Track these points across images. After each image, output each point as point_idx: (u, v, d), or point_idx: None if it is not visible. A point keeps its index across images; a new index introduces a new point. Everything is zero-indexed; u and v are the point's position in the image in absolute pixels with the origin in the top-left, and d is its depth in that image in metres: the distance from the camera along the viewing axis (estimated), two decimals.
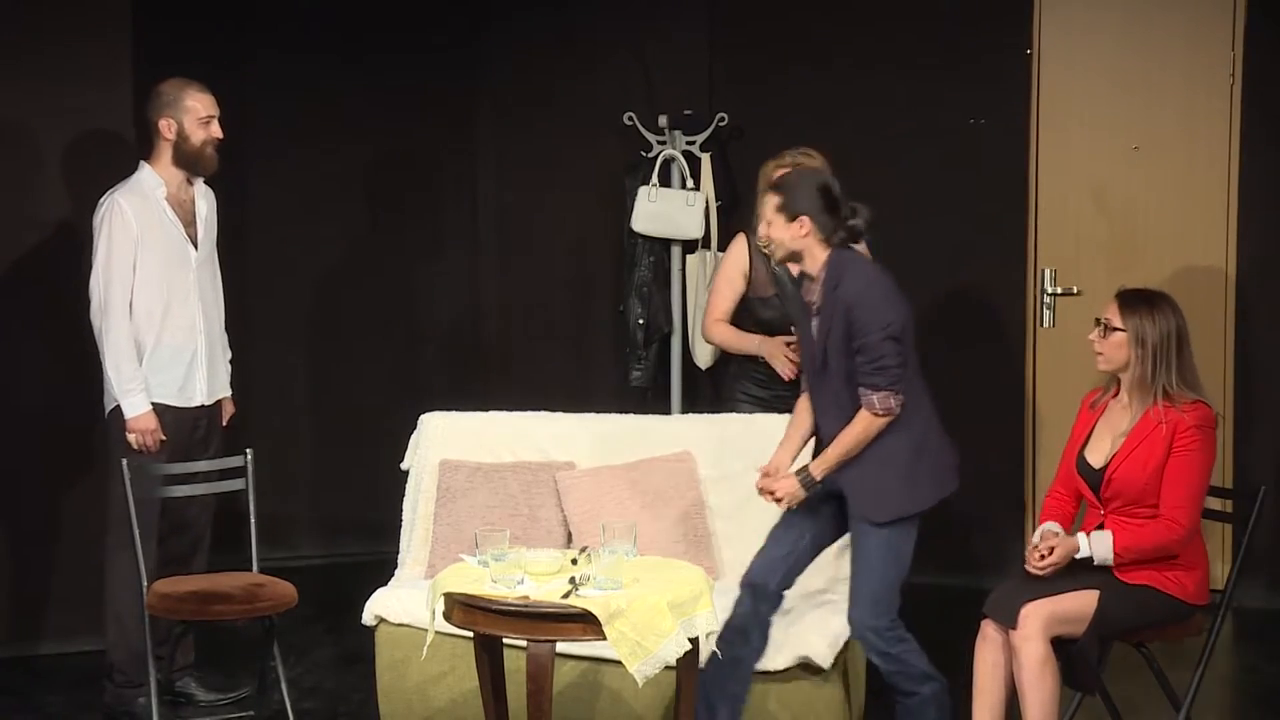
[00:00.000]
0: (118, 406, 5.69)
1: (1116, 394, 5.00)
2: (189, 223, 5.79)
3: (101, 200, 5.71)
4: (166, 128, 5.72)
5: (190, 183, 5.82)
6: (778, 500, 5.02)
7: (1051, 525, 5.00)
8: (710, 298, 6.09)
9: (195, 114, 5.73)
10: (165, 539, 5.78)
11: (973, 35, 7.35)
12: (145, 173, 5.75)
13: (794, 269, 5.12)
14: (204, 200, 5.87)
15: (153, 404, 5.68)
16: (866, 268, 4.97)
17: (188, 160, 5.76)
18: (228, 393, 6.00)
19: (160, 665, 5.67)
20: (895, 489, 4.96)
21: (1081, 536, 4.87)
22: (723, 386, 6.38)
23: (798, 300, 5.11)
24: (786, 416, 5.65)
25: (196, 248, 5.80)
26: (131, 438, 5.65)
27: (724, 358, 6.20)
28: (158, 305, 5.70)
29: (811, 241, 4.92)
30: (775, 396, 5.92)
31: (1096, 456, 4.97)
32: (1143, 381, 4.89)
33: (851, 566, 5.04)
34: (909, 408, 4.93)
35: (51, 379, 6.36)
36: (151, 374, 5.68)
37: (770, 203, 4.96)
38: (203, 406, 5.85)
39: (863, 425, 4.91)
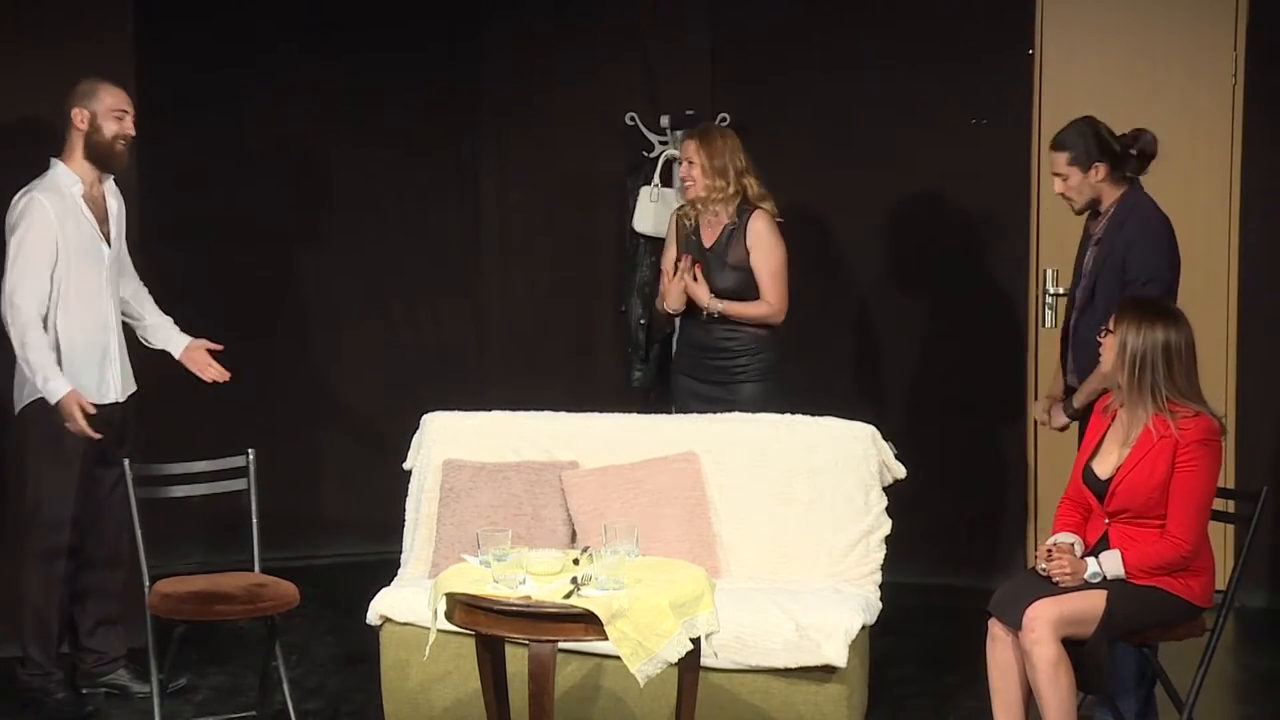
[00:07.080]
0: (28, 405, 5.70)
1: (1124, 402, 5.00)
2: (102, 220, 5.82)
3: (18, 197, 5.70)
4: (79, 118, 5.73)
5: (100, 181, 5.84)
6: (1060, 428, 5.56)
7: (1067, 537, 4.99)
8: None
9: (108, 106, 5.74)
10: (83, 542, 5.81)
11: (974, 35, 7.34)
12: (60, 170, 5.76)
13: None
14: (114, 199, 5.91)
15: None
16: (1152, 210, 5.33)
17: (99, 154, 5.76)
18: (134, 388, 5.95)
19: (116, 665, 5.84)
20: None
21: (1091, 560, 4.86)
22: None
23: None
24: (785, 416, 5.71)
25: (109, 245, 5.83)
26: (68, 424, 5.60)
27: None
28: (74, 302, 5.70)
29: (1106, 184, 5.36)
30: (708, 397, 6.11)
31: (1103, 467, 4.97)
32: (1123, 388, 4.91)
33: None
34: None
35: None
36: (68, 372, 5.64)
37: (1059, 159, 5.36)
38: (117, 404, 5.85)
39: None
